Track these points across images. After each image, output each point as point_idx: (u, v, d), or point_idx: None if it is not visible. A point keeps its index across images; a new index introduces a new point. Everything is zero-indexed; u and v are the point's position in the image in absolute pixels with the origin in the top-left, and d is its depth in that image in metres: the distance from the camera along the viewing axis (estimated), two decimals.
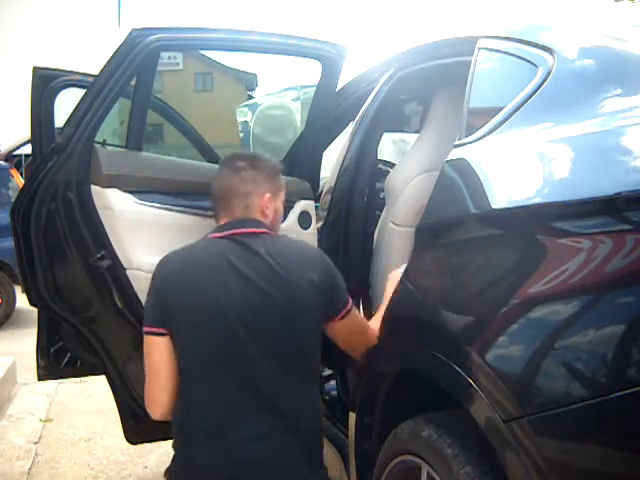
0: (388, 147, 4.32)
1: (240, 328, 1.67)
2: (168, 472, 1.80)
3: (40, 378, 2.77)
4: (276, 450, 1.66)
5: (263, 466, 1.65)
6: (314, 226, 2.37)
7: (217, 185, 1.89)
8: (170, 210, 2.16)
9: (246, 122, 7.21)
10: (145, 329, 1.74)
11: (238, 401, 1.67)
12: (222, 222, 1.84)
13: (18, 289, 5.68)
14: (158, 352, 1.72)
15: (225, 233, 1.79)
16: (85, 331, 2.40)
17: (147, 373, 1.75)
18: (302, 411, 1.71)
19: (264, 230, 1.80)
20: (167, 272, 1.77)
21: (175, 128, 3.14)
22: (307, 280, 1.71)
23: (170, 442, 1.77)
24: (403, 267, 1.79)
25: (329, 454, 2.34)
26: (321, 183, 2.70)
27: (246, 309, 1.68)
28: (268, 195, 1.85)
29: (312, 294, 1.71)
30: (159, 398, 1.73)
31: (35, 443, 3.44)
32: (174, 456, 1.74)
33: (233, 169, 1.87)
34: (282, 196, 1.93)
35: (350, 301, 1.80)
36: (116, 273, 2.15)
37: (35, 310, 2.53)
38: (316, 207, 2.45)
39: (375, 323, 1.86)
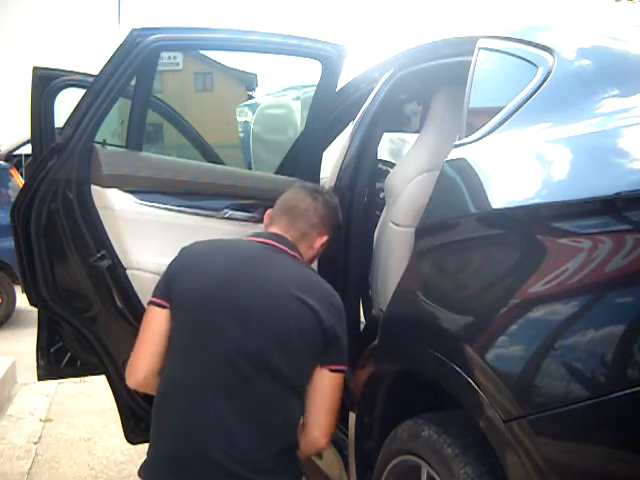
0: (386, 146, 4.32)
1: (232, 327, 1.68)
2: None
3: (40, 378, 2.77)
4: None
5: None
6: None
7: (291, 200, 1.95)
8: (170, 210, 2.16)
9: (246, 122, 7.20)
10: (150, 299, 1.78)
11: (209, 400, 1.65)
12: (271, 229, 1.90)
13: (18, 289, 5.68)
14: (153, 322, 1.76)
15: (266, 240, 1.84)
16: (85, 331, 2.40)
17: (137, 342, 1.78)
18: (275, 424, 1.68)
19: (298, 257, 1.86)
20: (187, 253, 1.82)
21: (175, 128, 3.14)
22: (318, 315, 1.72)
23: None
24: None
25: (329, 454, 2.34)
26: (321, 183, 2.70)
27: (246, 311, 1.69)
28: (326, 238, 1.97)
29: (318, 330, 1.72)
30: (136, 367, 1.76)
31: (35, 443, 3.44)
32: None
33: (313, 196, 1.95)
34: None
35: (345, 367, 1.78)
36: (116, 273, 2.15)
37: (35, 310, 2.53)
38: None
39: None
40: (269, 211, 2.01)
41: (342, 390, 1.79)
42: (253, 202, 2.32)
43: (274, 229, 1.90)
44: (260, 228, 2.28)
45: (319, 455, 2.47)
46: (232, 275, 1.74)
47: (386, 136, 3.50)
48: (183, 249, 1.84)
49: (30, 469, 3.13)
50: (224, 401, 1.65)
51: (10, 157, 8.55)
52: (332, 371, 1.75)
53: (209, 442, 1.63)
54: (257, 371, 1.66)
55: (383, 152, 3.75)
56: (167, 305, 1.74)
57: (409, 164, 2.32)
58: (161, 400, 1.74)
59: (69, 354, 2.69)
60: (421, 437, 1.57)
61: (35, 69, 2.67)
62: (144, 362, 1.76)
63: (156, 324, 1.75)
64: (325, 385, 1.75)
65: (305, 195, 1.95)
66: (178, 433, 1.67)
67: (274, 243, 1.84)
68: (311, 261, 1.99)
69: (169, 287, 1.76)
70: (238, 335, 1.67)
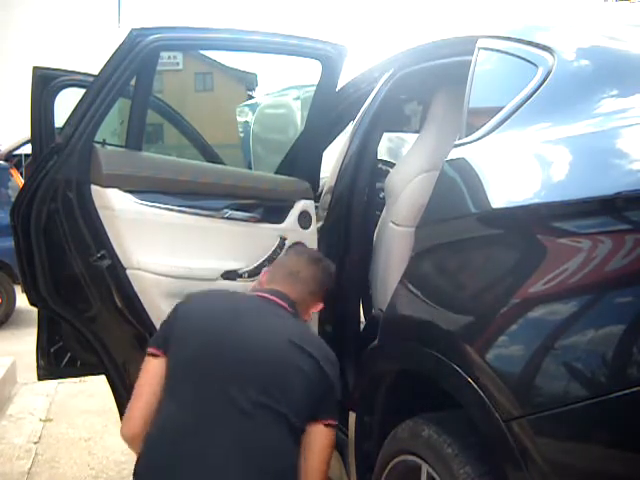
0: (385, 146, 4.32)
1: (233, 374, 1.68)
2: None
3: (40, 378, 2.76)
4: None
5: None
6: (314, 226, 2.38)
7: (294, 265, 2.00)
8: (170, 210, 2.16)
9: (246, 122, 7.19)
10: (147, 349, 1.81)
11: (199, 444, 1.63)
12: (269, 286, 1.94)
13: (18, 289, 5.68)
14: (150, 373, 1.77)
15: (267, 295, 1.88)
16: (85, 331, 2.40)
17: (134, 392, 1.80)
18: (276, 470, 1.65)
19: (293, 312, 1.89)
20: (186, 304, 1.85)
21: (175, 128, 3.14)
22: (319, 363, 1.73)
23: None
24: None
25: None
26: (321, 183, 2.70)
27: (248, 358, 1.70)
28: (321, 306, 2.04)
29: (318, 377, 1.73)
30: (134, 417, 1.76)
31: (35, 443, 3.43)
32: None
33: (316, 264, 2.02)
34: None
35: (335, 422, 1.78)
36: (116, 273, 2.15)
37: (35, 310, 2.53)
38: (316, 207, 2.45)
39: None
40: (267, 270, 2.06)
41: (334, 447, 1.80)
42: (253, 202, 2.32)
43: (272, 285, 1.94)
44: (260, 228, 2.28)
45: None
46: (233, 323, 1.76)
47: (386, 136, 3.51)
48: (181, 302, 1.86)
49: (30, 469, 3.13)
50: (224, 448, 1.63)
51: (10, 157, 8.54)
52: (326, 426, 1.75)
53: None
54: (259, 417, 1.65)
55: (383, 152, 3.75)
56: (162, 354, 1.76)
57: (409, 164, 2.32)
58: (155, 444, 1.71)
59: (69, 354, 2.69)
60: (421, 437, 1.57)
61: (35, 69, 2.67)
62: (142, 412, 1.75)
63: (152, 375, 1.77)
64: (319, 441, 1.73)
65: (308, 262, 2.02)
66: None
67: (275, 299, 1.87)
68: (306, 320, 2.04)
69: (166, 337, 1.78)
70: (240, 382, 1.67)
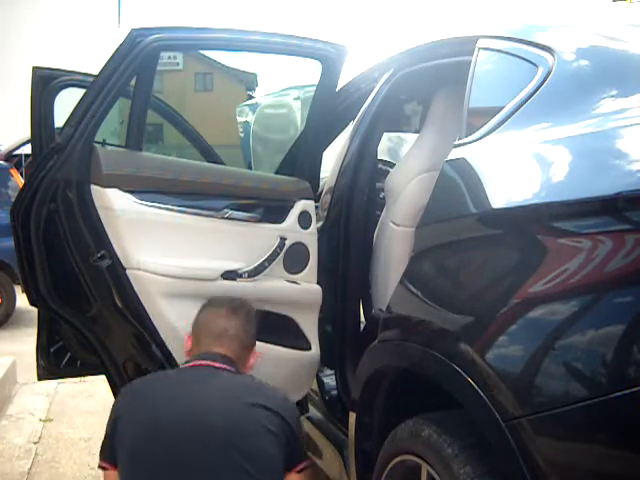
0: (385, 146, 4.32)
1: (194, 454, 1.68)
2: None
3: (40, 378, 2.76)
4: None
5: None
6: (314, 226, 2.37)
7: (216, 324, 1.95)
8: (170, 210, 2.16)
9: (247, 122, 7.20)
10: (99, 463, 1.84)
11: None
12: (201, 350, 1.91)
13: (18, 289, 5.68)
14: None
15: (203, 363, 1.87)
16: (85, 331, 2.40)
17: None
18: None
19: (234, 370, 1.88)
20: (126, 398, 1.85)
21: (175, 128, 3.14)
22: (274, 411, 1.76)
23: None
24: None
25: (329, 454, 2.34)
26: (321, 183, 2.70)
27: (204, 434, 1.70)
28: (258, 354, 2.02)
29: (279, 426, 1.75)
30: None
31: (35, 443, 3.44)
32: None
33: (236, 314, 1.97)
34: None
35: (306, 462, 1.80)
36: (116, 273, 2.15)
37: (35, 310, 2.53)
38: (316, 207, 2.45)
39: None
40: (188, 335, 2.01)
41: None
42: (253, 202, 2.32)
43: (203, 349, 1.91)
44: (260, 228, 2.28)
45: (319, 455, 2.47)
46: (182, 411, 1.75)
47: (386, 136, 3.51)
48: (119, 400, 1.86)
49: (30, 469, 3.13)
50: None
51: (10, 157, 8.54)
52: (299, 472, 1.79)
53: None
54: None
55: (383, 152, 3.75)
56: (113, 467, 1.78)
57: (409, 164, 2.32)
58: None
59: (69, 354, 2.69)
60: (421, 437, 1.57)
61: (35, 69, 2.67)
62: None
63: None
64: None
65: (229, 315, 1.97)
66: None
67: (214, 364, 1.86)
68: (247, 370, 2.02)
69: (112, 445, 1.79)
70: (203, 459, 1.68)
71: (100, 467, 1.84)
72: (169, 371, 2.01)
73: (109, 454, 1.81)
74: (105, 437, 1.84)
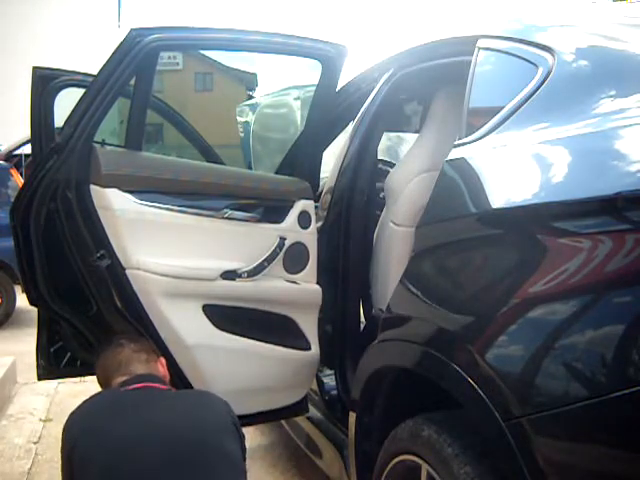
0: (385, 145, 4.32)
1: (152, 468, 1.67)
2: None
3: (40, 378, 2.76)
4: None
5: None
6: (314, 226, 2.38)
7: (112, 361, 2.02)
8: (170, 210, 2.16)
9: (247, 122, 7.20)
10: None
11: None
12: (120, 380, 1.95)
13: (18, 289, 5.68)
14: None
15: (134, 386, 1.89)
16: (85, 331, 2.40)
17: None
18: None
19: (166, 387, 1.94)
20: (73, 431, 1.80)
21: (175, 128, 3.14)
22: (228, 421, 1.82)
23: None
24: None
25: (329, 454, 2.34)
26: (321, 183, 2.70)
27: (158, 450, 1.69)
28: (163, 360, 2.06)
29: (239, 433, 1.83)
30: None
31: (35, 443, 3.43)
32: None
33: (120, 345, 2.04)
34: None
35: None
36: (115, 273, 2.15)
37: (35, 310, 2.53)
38: (316, 207, 2.45)
39: None
40: (99, 371, 2.09)
41: None
42: (253, 202, 2.32)
43: (122, 379, 1.95)
44: (260, 228, 2.28)
45: (319, 455, 2.47)
46: (129, 426, 1.74)
47: (386, 136, 3.51)
48: (67, 426, 1.83)
49: (30, 469, 3.13)
50: None
51: (10, 157, 8.54)
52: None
53: None
54: None
55: (383, 152, 3.75)
56: None
57: (409, 164, 2.32)
58: None
59: (69, 354, 2.69)
60: (421, 437, 1.57)
61: (35, 69, 2.66)
62: None
63: None
64: None
65: (115, 350, 2.03)
66: None
67: (146, 384, 1.89)
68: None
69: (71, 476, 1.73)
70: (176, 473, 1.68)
71: None
72: (109, 395, 1.98)
73: None
74: (62, 470, 1.79)
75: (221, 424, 1.81)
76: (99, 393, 1.98)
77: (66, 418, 1.85)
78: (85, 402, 1.90)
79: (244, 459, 1.82)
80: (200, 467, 1.69)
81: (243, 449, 1.83)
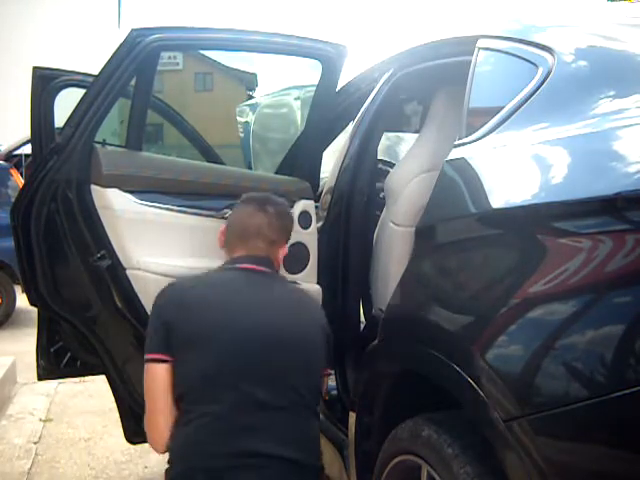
0: (385, 145, 4.32)
1: (250, 354, 1.71)
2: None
3: (40, 378, 2.76)
4: (274, 477, 1.67)
5: None
6: (314, 226, 2.38)
7: (240, 221, 1.95)
8: (170, 210, 2.16)
9: (246, 122, 7.19)
10: (147, 356, 1.75)
11: (240, 426, 1.67)
12: (237, 254, 1.91)
13: (18, 289, 5.68)
14: (162, 381, 1.73)
15: (244, 265, 1.87)
16: (85, 331, 2.40)
17: (151, 405, 1.75)
18: (303, 443, 1.74)
19: (274, 273, 1.94)
20: (175, 296, 1.79)
21: (175, 128, 3.14)
22: (319, 325, 1.87)
23: None
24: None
25: (329, 454, 2.34)
26: (321, 183, 2.70)
27: (257, 337, 1.73)
28: (285, 248, 2.00)
29: (322, 340, 1.86)
30: (166, 431, 1.72)
31: (35, 443, 3.43)
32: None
33: (264, 210, 1.94)
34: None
35: (331, 369, 1.91)
36: (116, 273, 2.15)
37: (35, 310, 2.53)
38: (316, 207, 2.45)
39: None
40: (222, 229, 2.01)
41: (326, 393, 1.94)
42: None
43: (240, 252, 1.91)
44: None
45: None
46: (245, 313, 1.77)
47: (386, 136, 3.51)
48: (165, 292, 1.80)
49: (30, 469, 3.13)
50: (270, 441, 1.68)
51: (10, 157, 8.54)
52: (322, 377, 1.89)
53: (261, 440, 1.67)
54: (290, 401, 1.72)
55: (383, 152, 3.75)
56: (168, 359, 1.73)
57: (409, 164, 2.32)
58: (197, 436, 1.68)
59: (69, 354, 2.69)
60: (421, 437, 1.57)
61: (35, 69, 2.67)
62: (168, 425, 1.72)
63: (164, 384, 1.72)
64: None
65: (255, 211, 1.94)
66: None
67: (258, 267, 1.87)
68: (279, 268, 2.04)
69: (167, 338, 1.73)
70: (270, 360, 1.73)
71: (152, 360, 1.74)
72: (215, 273, 1.92)
73: (165, 345, 1.72)
74: (154, 330, 1.76)
75: (317, 324, 1.87)
76: (206, 273, 1.92)
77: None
78: (188, 279, 1.87)
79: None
80: (298, 351, 1.77)
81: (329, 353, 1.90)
